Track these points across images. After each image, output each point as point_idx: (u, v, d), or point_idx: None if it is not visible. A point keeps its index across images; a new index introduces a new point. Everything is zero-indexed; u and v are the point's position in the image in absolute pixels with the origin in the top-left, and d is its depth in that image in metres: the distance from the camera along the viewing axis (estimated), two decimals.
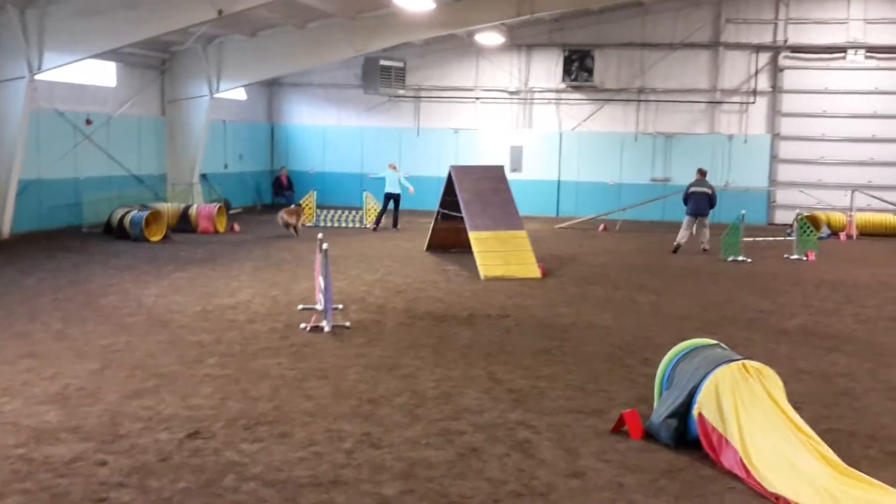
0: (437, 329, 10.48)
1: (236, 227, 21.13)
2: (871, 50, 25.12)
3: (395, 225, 22.19)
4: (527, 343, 9.86)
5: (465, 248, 15.85)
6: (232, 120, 27.11)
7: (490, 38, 25.57)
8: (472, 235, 15.24)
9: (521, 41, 27.17)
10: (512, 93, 27.73)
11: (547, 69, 27.38)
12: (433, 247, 17.75)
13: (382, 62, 25.11)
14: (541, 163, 27.65)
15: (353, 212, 23.19)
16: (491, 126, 28.05)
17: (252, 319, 10.79)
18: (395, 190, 21.71)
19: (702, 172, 19.14)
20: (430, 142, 28.31)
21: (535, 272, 14.81)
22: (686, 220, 18.79)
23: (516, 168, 27.22)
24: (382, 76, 25.29)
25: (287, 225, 20.38)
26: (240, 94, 27.25)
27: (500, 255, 14.97)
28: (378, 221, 22.16)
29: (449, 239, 17.44)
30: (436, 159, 26.98)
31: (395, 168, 22.14)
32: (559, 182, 27.64)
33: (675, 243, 18.78)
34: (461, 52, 27.69)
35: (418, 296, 12.75)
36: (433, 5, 19.97)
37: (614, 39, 26.62)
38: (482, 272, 14.55)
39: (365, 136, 28.88)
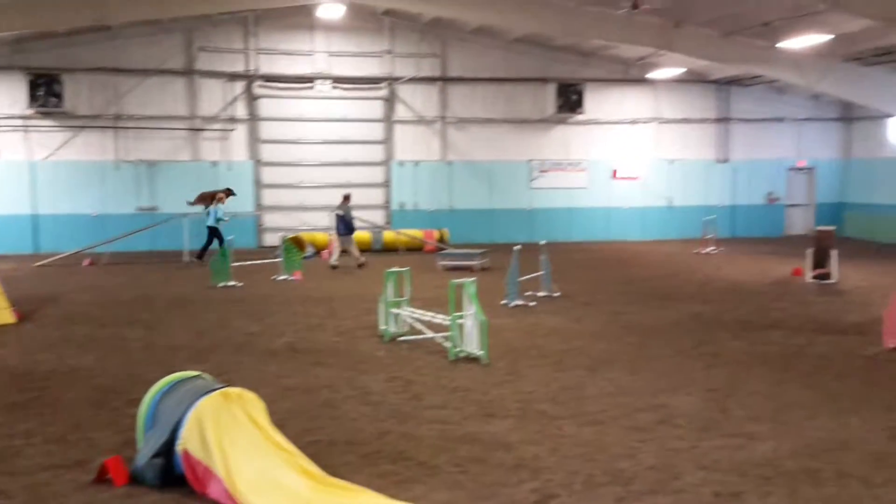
0: None
1: None
2: (337, 81, 27.38)
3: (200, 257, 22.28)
4: None
5: None
6: None
7: None
8: None
9: None
10: None
11: (10, 94, 24.99)
12: None
13: None
14: (12, 196, 25.15)
15: None
16: None
17: None
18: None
19: (344, 197, 21.58)
20: None
21: (9, 318, 13.37)
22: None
23: None
24: None
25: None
26: None
27: None
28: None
29: None
30: None
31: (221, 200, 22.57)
32: (35, 216, 25.42)
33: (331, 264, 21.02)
34: None
35: None
36: None
37: (84, 64, 25.27)
38: None
39: None
